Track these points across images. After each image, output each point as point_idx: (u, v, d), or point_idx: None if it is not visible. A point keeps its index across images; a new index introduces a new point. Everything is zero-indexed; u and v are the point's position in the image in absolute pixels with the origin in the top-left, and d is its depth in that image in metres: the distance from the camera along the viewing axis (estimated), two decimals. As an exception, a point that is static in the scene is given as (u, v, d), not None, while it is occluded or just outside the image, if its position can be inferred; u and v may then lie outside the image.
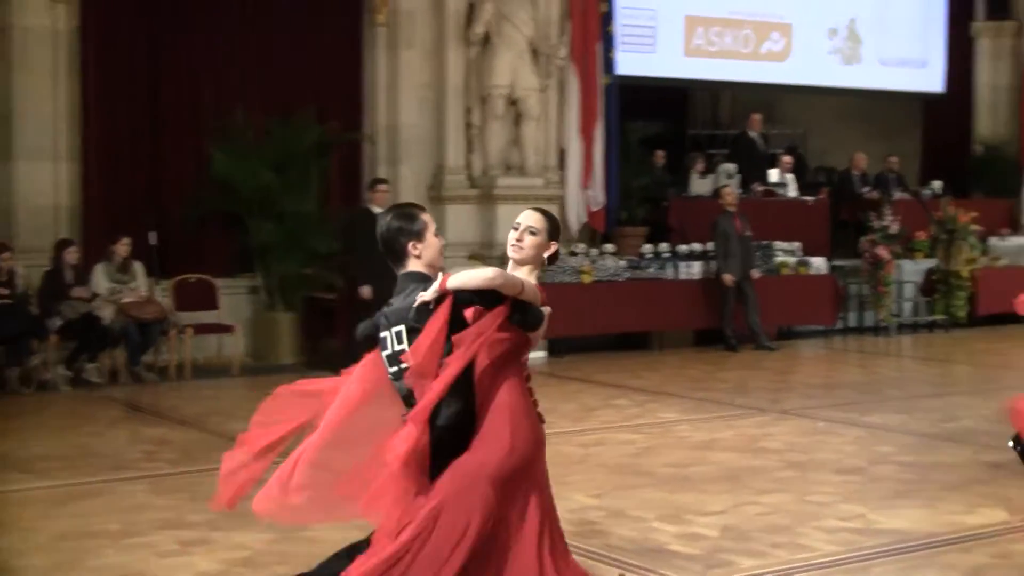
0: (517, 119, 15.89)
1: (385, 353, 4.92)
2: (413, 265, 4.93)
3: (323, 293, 14.58)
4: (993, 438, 10.32)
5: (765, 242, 16.75)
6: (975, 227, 17.97)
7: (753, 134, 19.06)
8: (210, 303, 14.24)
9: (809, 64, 19.55)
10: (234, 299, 14.59)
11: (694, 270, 16.14)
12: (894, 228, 17.49)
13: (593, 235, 16.56)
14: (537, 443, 4.86)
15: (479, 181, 15.76)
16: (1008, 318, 18.37)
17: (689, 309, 15.94)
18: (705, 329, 16.21)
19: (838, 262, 17.54)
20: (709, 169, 18.66)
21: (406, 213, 4.99)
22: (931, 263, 17.92)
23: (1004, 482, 8.75)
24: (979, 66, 20.73)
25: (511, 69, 15.68)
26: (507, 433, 4.74)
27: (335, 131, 15.01)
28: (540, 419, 4.93)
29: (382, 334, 4.94)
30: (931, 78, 20.66)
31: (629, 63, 17.40)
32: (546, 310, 4.87)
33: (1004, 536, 7.39)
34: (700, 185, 18.34)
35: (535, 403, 4.90)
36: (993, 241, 18.90)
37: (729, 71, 19.08)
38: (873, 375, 14.52)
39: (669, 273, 16.02)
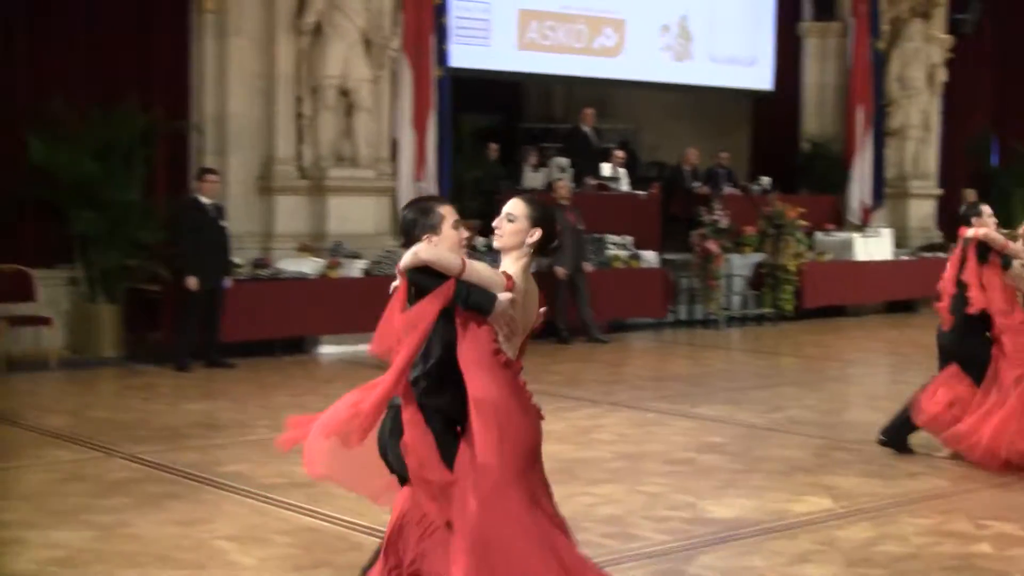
0: (349, 110, 15.65)
1: None
2: None
3: (147, 285, 14.19)
4: (819, 428, 10.51)
5: (597, 236, 16.82)
6: (802, 222, 18.30)
7: (586, 128, 19.13)
8: (26, 294, 13.73)
9: (641, 60, 19.69)
10: (52, 290, 14.09)
11: (527, 263, 16.09)
12: (724, 223, 17.72)
13: (426, 228, 16.41)
14: (534, 439, 4.93)
15: (310, 172, 15.50)
16: (833, 311, 18.84)
17: (522, 302, 15.88)
18: (538, 322, 16.18)
19: (669, 256, 17.70)
20: (542, 163, 18.69)
21: (422, 207, 5.03)
22: (759, 257, 18.20)
23: (828, 471, 8.88)
24: (806, 65, 21.12)
25: (343, 59, 15.44)
26: (495, 435, 4.78)
27: (160, 119, 14.61)
28: (538, 414, 4.97)
29: None
30: (760, 76, 21.00)
31: (463, 55, 17.31)
32: (504, 296, 4.78)
33: (828, 523, 7.49)
34: (533, 178, 18.35)
35: (528, 396, 4.93)
36: (819, 236, 19.29)
37: (562, 65, 19.12)
38: (703, 367, 14.66)
39: (502, 266, 15.97)
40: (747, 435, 10.24)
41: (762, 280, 18.12)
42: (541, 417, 4.96)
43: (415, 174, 16.21)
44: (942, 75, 21.21)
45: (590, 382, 12.97)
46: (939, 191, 21.44)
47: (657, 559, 6.68)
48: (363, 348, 14.64)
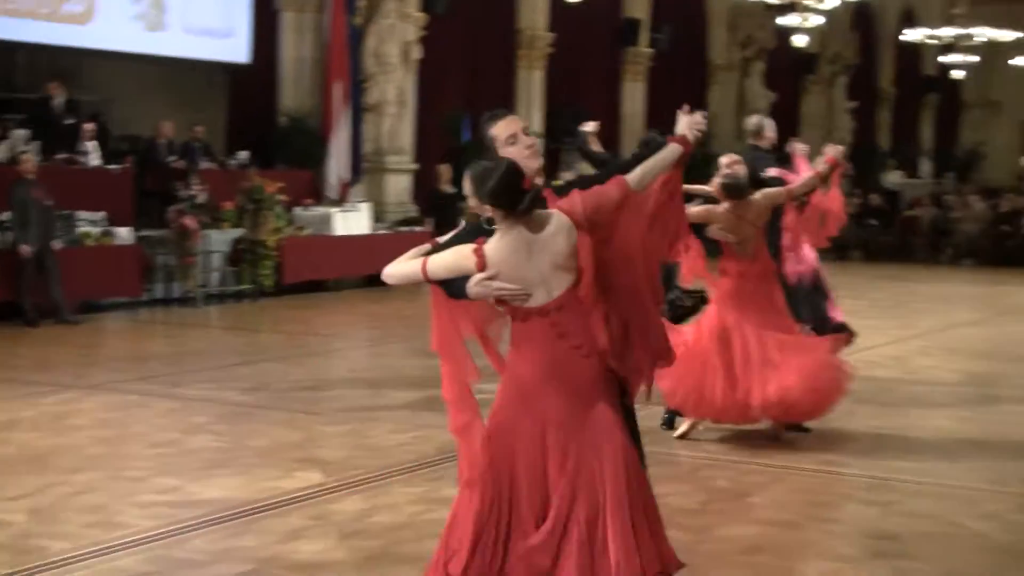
0: None
1: None
2: None
3: None
4: (304, 403, 10.44)
5: (67, 212, 16.00)
6: (281, 197, 18.18)
7: (53, 99, 18.12)
8: None
9: (113, 29, 18.85)
10: None
11: (-10, 240, 15.15)
12: (201, 198, 17.34)
13: None
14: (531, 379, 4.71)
15: None
16: (313, 286, 18.84)
17: (-17, 282, 14.94)
18: (1, 303, 15.23)
19: (144, 232, 17.11)
20: (4, 135, 17.54)
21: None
22: (238, 233, 17.91)
23: (317, 444, 8.82)
24: (284, 39, 20.88)
25: None
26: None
27: None
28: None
29: None
30: (236, 49, 20.54)
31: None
32: (473, 280, 4.59)
33: (320, 497, 7.39)
34: (-4, 150, 17.21)
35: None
36: (298, 211, 19.22)
37: (27, 32, 18.00)
38: (182, 346, 14.23)
39: (-39, 243, 14.94)
40: (232, 413, 9.98)
41: (241, 256, 17.84)
42: (584, 356, 4.69)
43: None
44: (416, 52, 21.63)
45: (62, 365, 12.28)
46: (415, 166, 21.89)
47: (145, 546, 6.33)
48: None
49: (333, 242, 19.08)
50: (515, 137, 4.93)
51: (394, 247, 18.54)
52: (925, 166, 39.24)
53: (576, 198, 4.69)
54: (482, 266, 4.60)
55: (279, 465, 8.15)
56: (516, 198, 4.55)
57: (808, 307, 9.71)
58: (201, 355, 13.52)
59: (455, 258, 4.68)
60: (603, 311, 4.81)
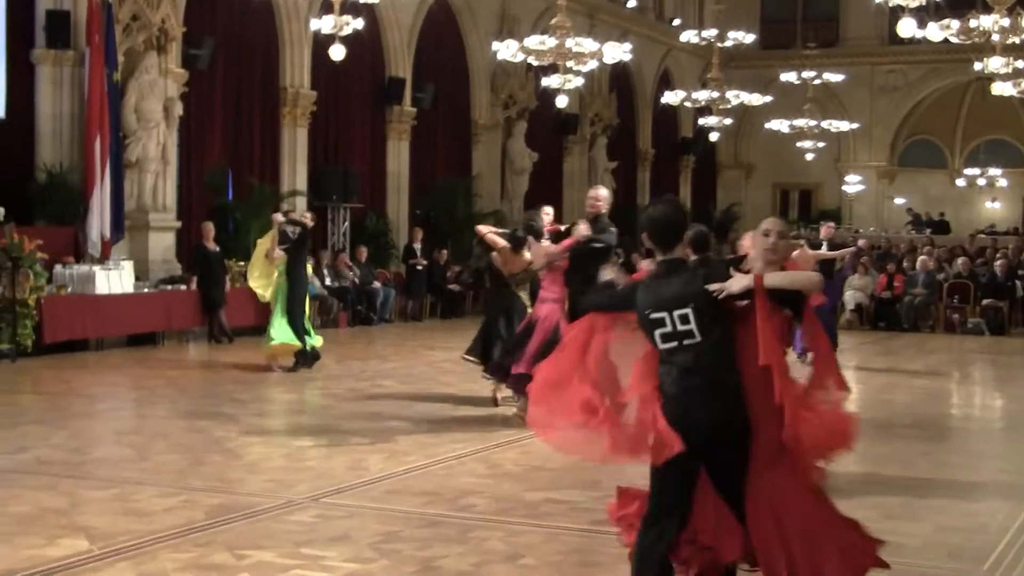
0: None
1: (663, 331, 5.81)
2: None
3: None
4: (68, 467, 10.20)
5: None
6: (41, 255, 17.72)
7: None
8: None
9: None
10: None
11: None
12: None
13: None
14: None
15: None
16: (75, 345, 18.38)
17: None
18: None
19: None
20: None
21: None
22: (-4, 290, 17.39)
23: (82, 510, 8.63)
24: (41, 93, 20.38)
25: None
26: None
27: None
28: None
29: (657, 314, 5.82)
30: (-9, 103, 20.04)
31: None
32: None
33: (86, 565, 7.26)
34: None
35: None
36: (58, 269, 18.74)
37: None
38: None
39: None
40: (-8, 479, 9.71)
41: (-1, 316, 17.32)
42: None
43: None
44: (178, 109, 21.37)
45: None
46: (178, 224, 21.58)
47: None
48: None
49: (96, 301, 18.66)
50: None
51: (158, 306, 18.18)
52: (686, 225, 40.40)
53: None
54: None
55: (42, 532, 7.96)
56: None
57: None
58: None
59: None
60: None
